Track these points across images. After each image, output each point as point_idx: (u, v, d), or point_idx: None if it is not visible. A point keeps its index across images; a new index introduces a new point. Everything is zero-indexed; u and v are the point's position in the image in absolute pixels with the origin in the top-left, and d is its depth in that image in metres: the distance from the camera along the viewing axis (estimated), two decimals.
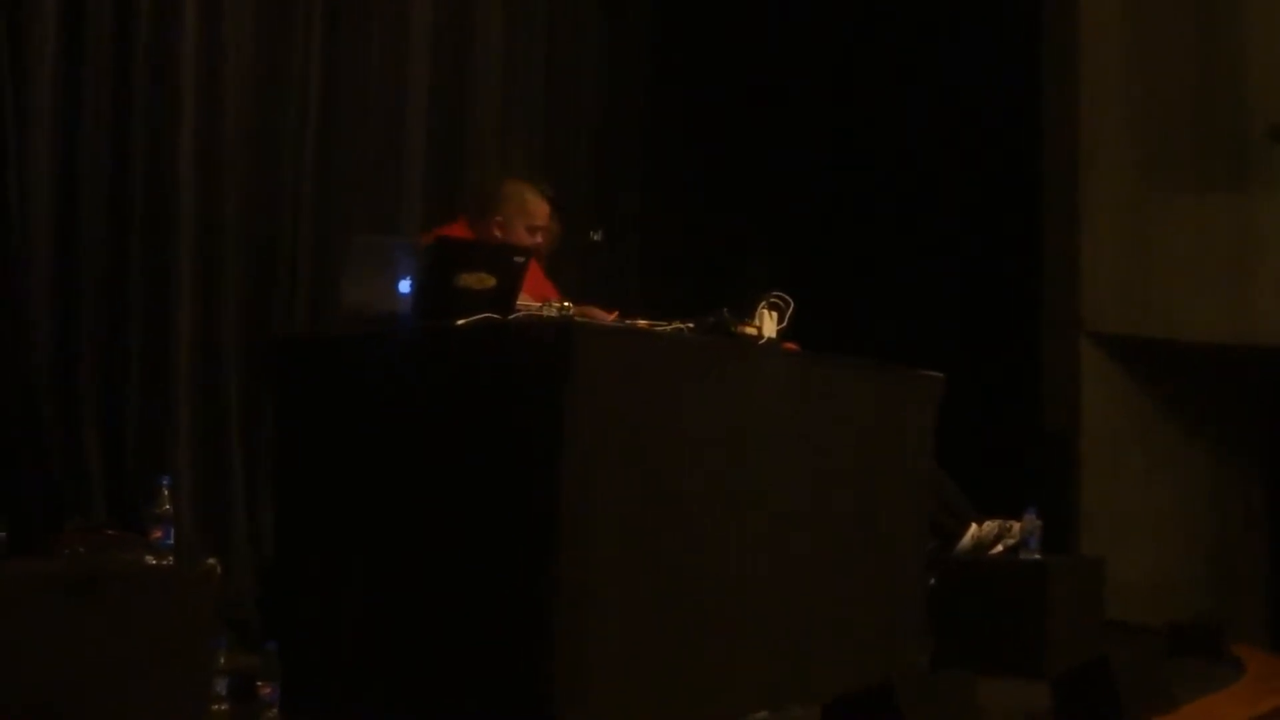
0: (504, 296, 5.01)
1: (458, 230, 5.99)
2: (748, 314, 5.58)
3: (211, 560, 4.41)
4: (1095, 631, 6.61)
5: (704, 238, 8.90)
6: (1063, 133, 8.95)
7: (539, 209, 6.01)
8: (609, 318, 5.71)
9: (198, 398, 6.36)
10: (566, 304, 5.34)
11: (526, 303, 5.20)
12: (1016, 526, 6.63)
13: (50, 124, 5.96)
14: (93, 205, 6.10)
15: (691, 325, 5.35)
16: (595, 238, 6.53)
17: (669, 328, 5.30)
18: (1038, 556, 6.51)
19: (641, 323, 5.40)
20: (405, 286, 5.06)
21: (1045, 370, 8.88)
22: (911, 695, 4.60)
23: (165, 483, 4.21)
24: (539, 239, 5.97)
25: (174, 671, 3.92)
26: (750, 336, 5.49)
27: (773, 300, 5.62)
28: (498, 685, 4.59)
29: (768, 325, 5.59)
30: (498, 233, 5.89)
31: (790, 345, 5.66)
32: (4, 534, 4.34)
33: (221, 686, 4.51)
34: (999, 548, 6.70)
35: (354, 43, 7.19)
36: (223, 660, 4.56)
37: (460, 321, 4.85)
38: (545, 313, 5.14)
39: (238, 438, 6.45)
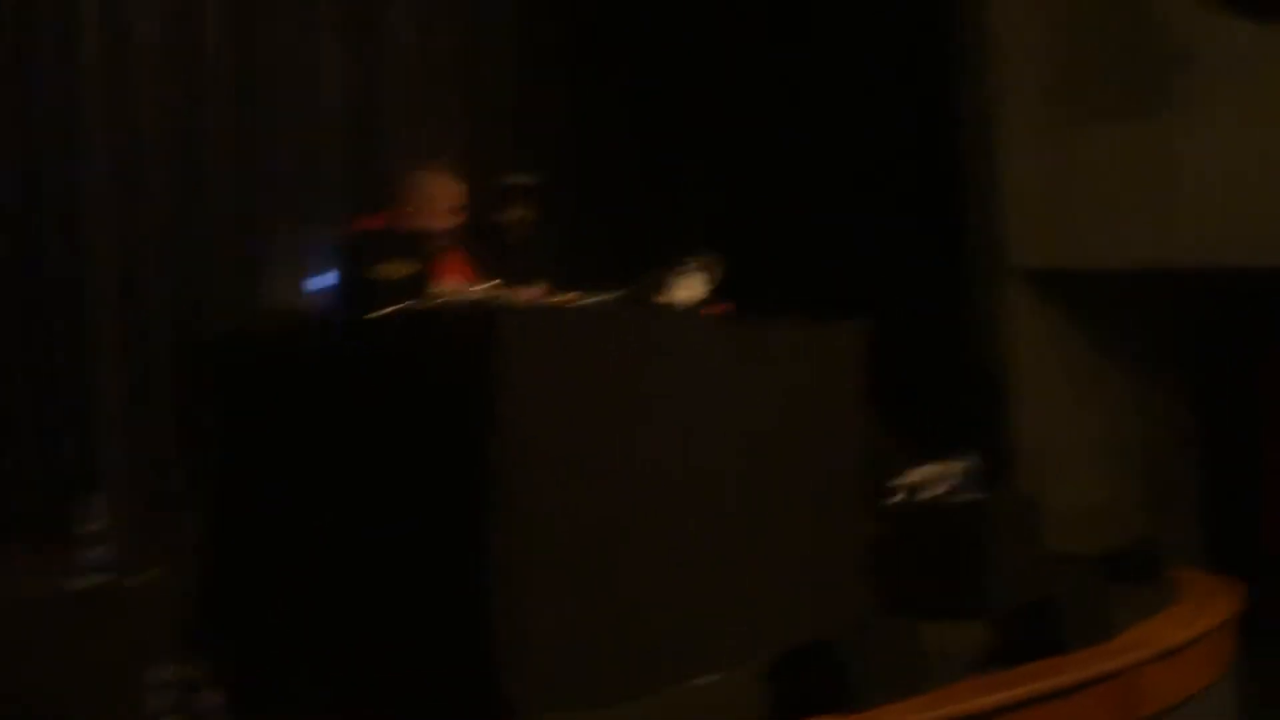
0: (424, 283, 5.03)
1: (378, 223, 5.98)
2: (672, 279, 5.61)
3: (153, 571, 4.43)
4: (1035, 566, 6.65)
5: (630, 199, 8.89)
6: (976, 65, 8.96)
7: (449, 190, 5.99)
8: (537, 293, 5.72)
9: (128, 407, 6.35)
10: (490, 284, 5.36)
11: (455, 287, 5.21)
12: (952, 468, 6.69)
13: None
14: (2, 221, 6.06)
15: (620, 294, 5.37)
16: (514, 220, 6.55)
17: (596, 299, 5.31)
18: (973, 496, 6.57)
19: (571, 294, 5.41)
20: (326, 280, 5.08)
21: (972, 308, 8.92)
22: (853, 647, 4.67)
23: (96, 499, 4.23)
24: (459, 218, 5.96)
25: (117, 686, 3.93)
26: (673, 304, 5.53)
27: (700, 262, 5.64)
28: (441, 671, 4.63)
29: (694, 288, 5.62)
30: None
31: (722, 306, 5.68)
32: None
33: (168, 697, 4.53)
34: (936, 490, 6.75)
35: (266, 32, 7.15)
36: (169, 672, 4.58)
37: (382, 311, 4.87)
38: (467, 296, 5.17)
39: (173, 443, 6.44)
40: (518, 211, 6.59)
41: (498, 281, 5.38)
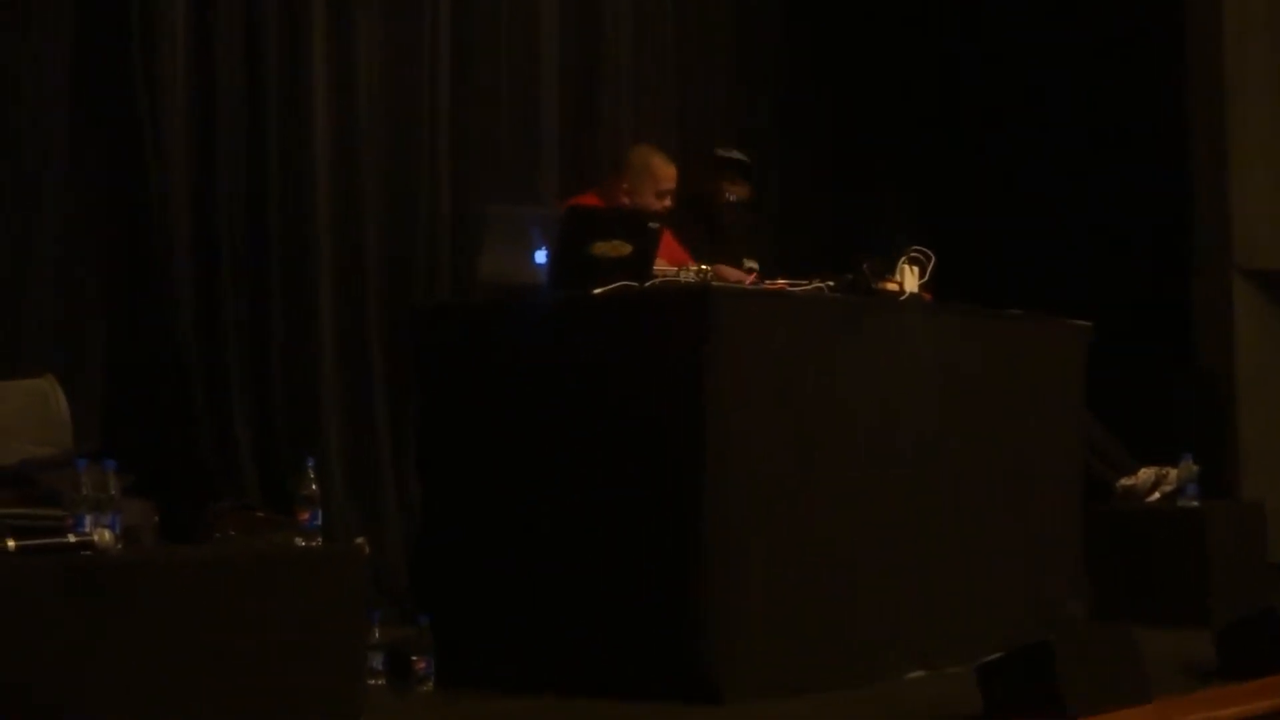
0: (640, 263, 5.00)
1: (590, 200, 5.98)
2: (889, 269, 5.51)
3: (360, 539, 4.46)
4: (1259, 576, 6.47)
5: (844, 194, 8.81)
6: (1208, 67, 8.74)
7: (665, 172, 5.99)
8: (747, 279, 5.67)
9: (343, 375, 6.42)
10: (703, 268, 5.33)
11: (663, 269, 5.19)
12: (1173, 473, 6.53)
13: (184, 107, 6.02)
14: (231, 190, 6.17)
15: (831, 283, 5.30)
16: (731, 198, 6.52)
17: (808, 287, 5.25)
18: (1196, 503, 6.39)
19: (780, 282, 5.36)
20: (541, 256, 5.08)
21: (1197, 311, 8.69)
22: (1069, 652, 4.52)
23: (310, 464, 4.25)
24: (668, 202, 5.95)
25: (327, 649, 3.95)
26: (891, 292, 5.43)
27: (913, 254, 5.55)
28: (651, 653, 4.60)
29: (909, 280, 5.52)
30: (626, 200, 5.87)
31: (925, 295, 5.58)
32: (157, 518, 4.40)
33: (377, 661, 4.57)
34: (1156, 495, 6.58)
35: (484, 11, 7.18)
36: (378, 634, 4.62)
37: (597, 290, 4.86)
38: (682, 278, 5.14)
39: (385, 413, 6.50)
40: (732, 191, 6.58)
41: (705, 266, 5.36)
